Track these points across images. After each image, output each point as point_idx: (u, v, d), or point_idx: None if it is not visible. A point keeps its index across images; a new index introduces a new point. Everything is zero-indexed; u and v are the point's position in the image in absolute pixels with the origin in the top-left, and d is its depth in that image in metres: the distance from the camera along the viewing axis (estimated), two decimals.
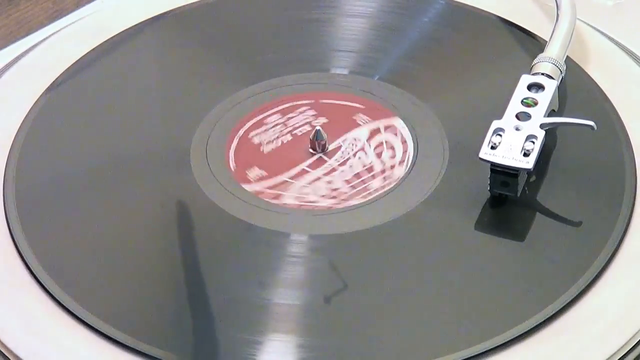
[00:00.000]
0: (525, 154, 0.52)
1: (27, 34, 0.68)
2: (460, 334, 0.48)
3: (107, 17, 0.67)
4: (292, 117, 0.59)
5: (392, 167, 0.56)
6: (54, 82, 0.61)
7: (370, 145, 0.57)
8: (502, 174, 0.52)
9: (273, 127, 0.59)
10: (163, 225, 0.54)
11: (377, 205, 0.54)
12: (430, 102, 0.59)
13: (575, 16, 0.61)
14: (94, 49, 0.64)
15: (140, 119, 0.60)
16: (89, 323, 0.48)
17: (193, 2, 0.67)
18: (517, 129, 0.53)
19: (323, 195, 0.55)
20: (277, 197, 0.55)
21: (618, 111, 0.58)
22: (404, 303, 0.49)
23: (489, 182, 0.53)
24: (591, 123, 0.53)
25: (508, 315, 0.48)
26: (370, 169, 0.56)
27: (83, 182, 0.56)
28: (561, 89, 0.58)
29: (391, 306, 0.49)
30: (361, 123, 0.59)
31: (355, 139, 0.58)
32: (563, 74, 0.57)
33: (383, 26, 0.65)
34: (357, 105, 0.60)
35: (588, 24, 0.64)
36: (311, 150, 0.57)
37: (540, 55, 0.58)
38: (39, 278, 0.51)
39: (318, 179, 0.56)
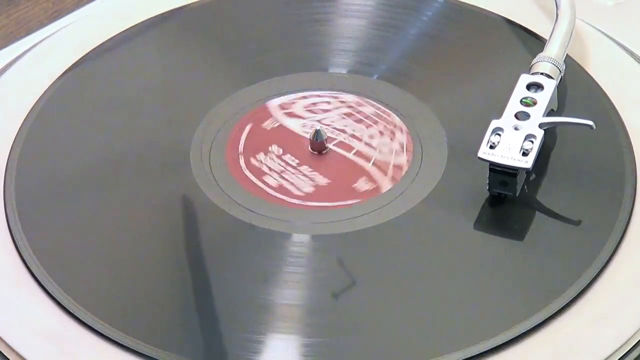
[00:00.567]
0: (524, 154, 0.52)
1: (27, 34, 0.68)
2: (459, 333, 0.48)
3: (107, 17, 0.67)
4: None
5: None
6: (54, 82, 0.61)
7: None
8: (501, 174, 0.52)
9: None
10: (163, 226, 0.54)
11: (377, 205, 0.54)
12: (430, 101, 0.59)
13: (575, 16, 0.61)
14: (94, 49, 0.64)
15: (140, 118, 0.60)
16: (88, 323, 0.48)
17: (193, 2, 0.67)
18: (516, 129, 0.53)
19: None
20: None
21: (618, 110, 0.58)
22: (404, 303, 0.49)
23: (487, 182, 0.53)
24: (590, 123, 0.53)
25: (507, 315, 0.48)
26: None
27: (83, 182, 0.56)
28: (561, 87, 0.58)
29: (391, 306, 0.49)
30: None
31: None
32: (562, 74, 0.57)
33: (382, 25, 0.65)
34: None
35: (588, 24, 0.64)
36: (311, 150, 0.57)
37: (540, 55, 0.58)
38: (38, 278, 0.51)
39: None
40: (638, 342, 0.48)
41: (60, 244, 0.53)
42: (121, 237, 0.53)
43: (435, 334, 0.48)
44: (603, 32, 0.64)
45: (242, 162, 0.57)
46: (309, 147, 0.57)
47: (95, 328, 0.48)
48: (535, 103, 0.55)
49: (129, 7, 0.67)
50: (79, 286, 0.50)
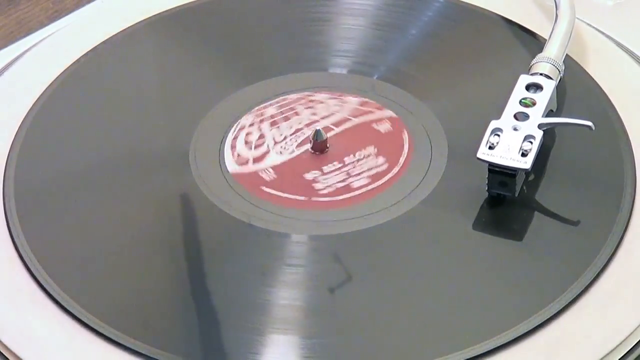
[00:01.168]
0: (523, 154, 0.52)
1: (27, 34, 0.68)
2: (458, 334, 0.48)
3: (106, 17, 0.67)
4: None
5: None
6: (53, 81, 0.61)
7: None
8: (500, 174, 0.52)
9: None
10: (163, 226, 0.54)
11: (376, 205, 0.54)
12: (429, 101, 0.59)
13: (574, 16, 0.61)
14: (93, 49, 0.64)
15: (140, 118, 0.60)
16: (88, 323, 0.48)
17: (192, 2, 0.67)
18: (515, 129, 0.53)
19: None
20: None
21: (617, 110, 0.58)
22: (404, 303, 0.50)
23: (487, 182, 0.53)
24: (589, 123, 0.53)
25: (507, 316, 0.48)
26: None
27: (83, 182, 0.56)
28: (561, 88, 0.58)
29: (391, 306, 0.49)
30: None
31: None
32: (562, 74, 0.57)
33: (382, 25, 0.65)
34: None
35: (588, 24, 0.64)
36: (311, 150, 0.57)
37: (539, 55, 0.58)
38: (38, 278, 0.51)
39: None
40: (638, 342, 0.48)
41: (59, 243, 0.53)
42: (120, 237, 0.53)
43: (434, 334, 0.48)
44: (603, 32, 0.64)
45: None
46: (310, 147, 0.57)
47: (94, 327, 0.48)
48: (534, 104, 0.55)
49: (129, 7, 0.67)
50: (77, 285, 0.50)
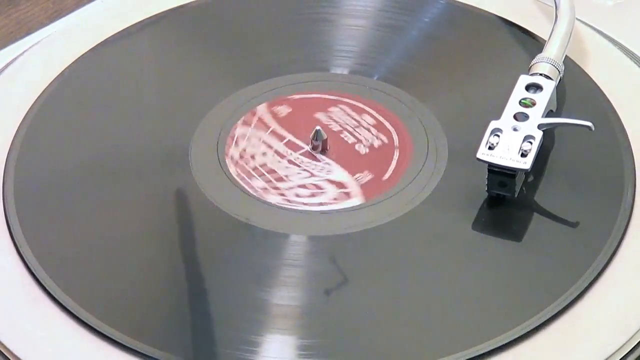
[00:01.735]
0: (523, 155, 0.52)
1: (27, 34, 0.68)
2: (457, 334, 0.48)
3: (106, 16, 0.67)
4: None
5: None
6: (53, 81, 0.61)
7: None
8: (499, 175, 0.52)
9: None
10: (162, 225, 0.54)
11: (376, 206, 0.54)
12: (429, 102, 0.59)
13: (574, 17, 0.61)
14: (93, 48, 0.64)
15: (140, 118, 0.60)
16: (87, 322, 0.48)
17: (192, 2, 0.67)
18: (514, 130, 0.53)
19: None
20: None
21: (617, 111, 0.58)
22: (403, 303, 0.50)
23: (486, 183, 0.53)
24: (589, 124, 0.53)
25: (507, 317, 0.48)
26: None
27: (82, 181, 0.56)
28: (560, 88, 0.58)
29: (390, 307, 0.49)
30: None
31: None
32: (561, 75, 0.57)
33: (382, 26, 0.65)
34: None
35: (588, 24, 0.64)
36: (311, 150, 0.57)
37: (539, 56, 0.58)
38: (38, 277, 0.51)
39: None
40: (639, 343, 0.48)
41: (59, 243, 0.53)
42: (120, 237, 0.53)
43: (433, 335, 0.48)
44: (602, 33, 0.64)
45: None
46: (310, 147, 0.57)
47: (94, 326, 0.48)
48: (534, 104, 0.55)
49: (128, 7, 0.67)
50: (76, 284, 0.50)
